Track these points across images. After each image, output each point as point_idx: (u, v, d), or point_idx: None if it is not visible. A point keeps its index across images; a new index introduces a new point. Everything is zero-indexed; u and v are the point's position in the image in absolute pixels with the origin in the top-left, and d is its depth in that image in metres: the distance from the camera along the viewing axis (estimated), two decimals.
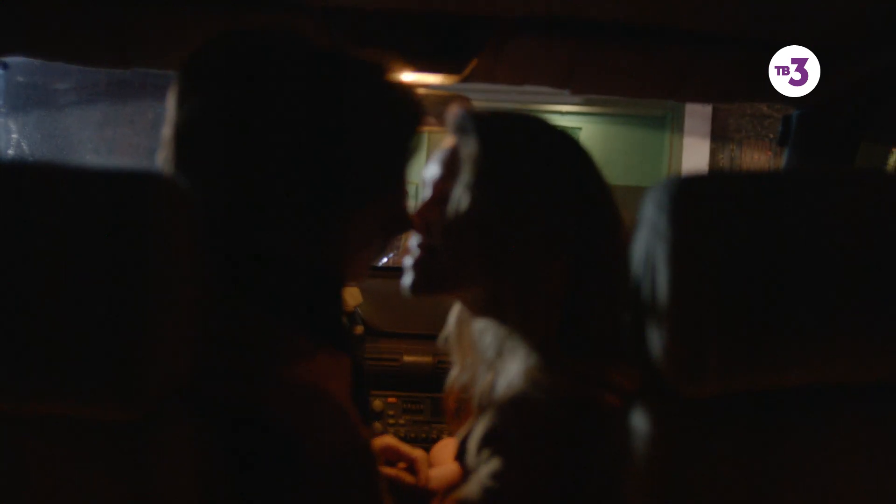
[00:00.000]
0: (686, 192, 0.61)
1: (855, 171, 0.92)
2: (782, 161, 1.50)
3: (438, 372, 1.78)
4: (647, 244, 0.62)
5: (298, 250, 0.79)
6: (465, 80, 1.25)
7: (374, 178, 0.83)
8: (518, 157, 0.92)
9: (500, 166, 0.91)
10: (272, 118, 0.75)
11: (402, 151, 0.86)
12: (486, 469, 0.83)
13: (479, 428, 0.87)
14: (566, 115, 3.77)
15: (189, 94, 0.77)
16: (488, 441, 0.85)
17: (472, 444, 0.88)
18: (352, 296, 1.72)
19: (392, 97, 0.84)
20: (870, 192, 0.62)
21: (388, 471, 1.11)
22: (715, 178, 0.63)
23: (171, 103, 0.78)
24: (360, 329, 1.76)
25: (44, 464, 0.59)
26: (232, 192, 0.75)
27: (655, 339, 0.61)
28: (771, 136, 3.72)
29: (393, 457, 1.16)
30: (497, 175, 0.91)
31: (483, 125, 0.94)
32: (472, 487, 0.84)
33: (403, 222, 0.91)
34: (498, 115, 0.98)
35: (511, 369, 0.89)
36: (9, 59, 1.26)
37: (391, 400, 1.77)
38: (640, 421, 0.65)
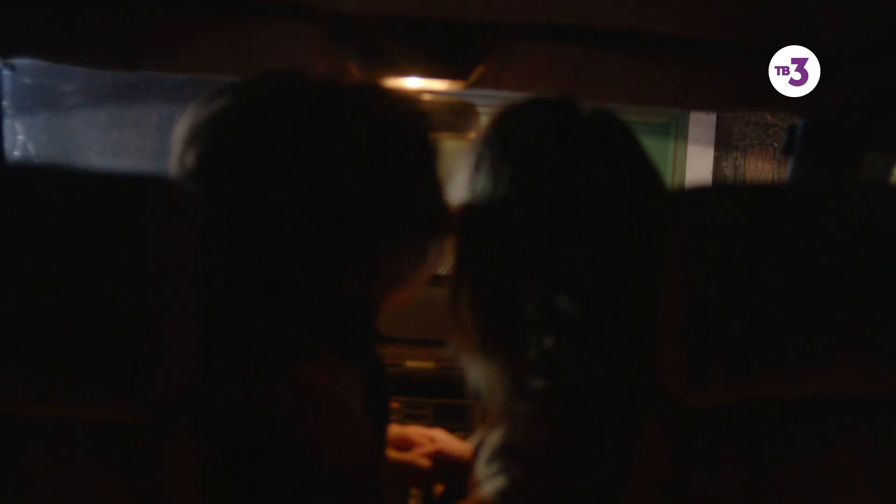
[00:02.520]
0: (690, 203, 0.61)
1: (861, 184, 0.92)
2: (786, 170, 1.50)
3: (441, 377, 1.78)
4: (651, 255, 0.62)
5: (325, 284, 0.78)
6: (471, 86, 1.25)
7: (392, 209, 0.82)
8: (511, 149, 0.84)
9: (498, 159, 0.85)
10: (281, 164, 0.75)
11: (420, 175, 0.84)
12: (492, 485, 0.82)
13: (492, 439, 0.86)
14: None
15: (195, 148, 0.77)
16: (497, 456, 0.84)
17: (484, 454, 0.87)
18: None
19: (398, 122, 0.83)
20: (876, 205, 0.62)
21: (402, 456, 1.13)
22: (719, 188, 0.63)
23: (175, 156, 0.78)
24: None
25: (47, 465, 0.59)
26: (250, 227, 0.75)
27: (659, 350, 0.61)
28: (775, 144, 3.72)
29: (405, 444, 1.18)
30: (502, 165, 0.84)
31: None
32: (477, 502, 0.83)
33: (443, 236, 0.89)
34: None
35: (518, 385, 0.87)
36: (15, 61, 1.26)
37: (394, 405, 1.77)
38: (643, 431, 0.65)
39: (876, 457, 0.64)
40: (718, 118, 3.71)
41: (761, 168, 3.75)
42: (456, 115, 1.36)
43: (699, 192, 0.61)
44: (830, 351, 0.60)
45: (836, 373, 0.61)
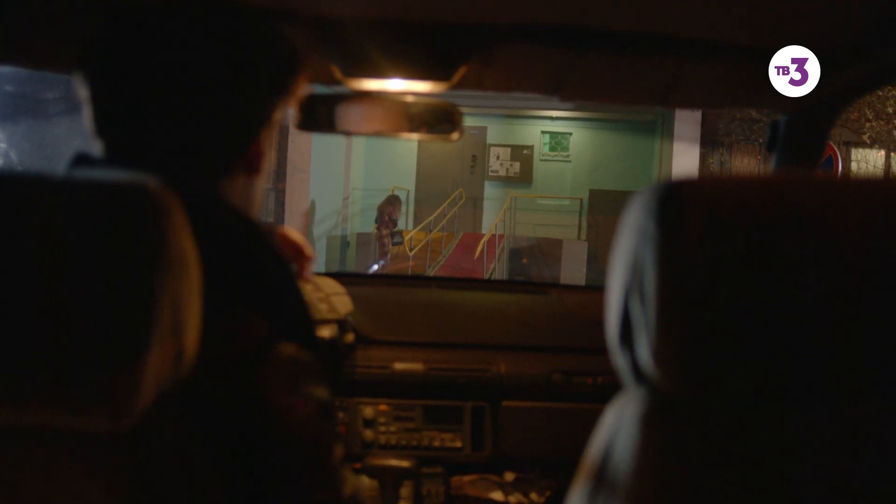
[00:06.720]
0: (674, 195, 0.61)
1: (848, 177, 0.92)
2: (770, 165, 1.51)
3: (429, 379, 1.78)
4: (636, 247, 0.62)
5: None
6: (454, 87, 1.25)
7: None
8: None
9: None
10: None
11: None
12: None
13: None
14: (556, 120, 3.78)
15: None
16: None
17: None
18: (343, 304, 1.72)
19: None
20: (863, 197, 0.62)
21: None
22: (703, 181, 0.63)
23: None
24: (351, 337, 1.76)
25: (33, 473, 0.59)
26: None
27: (642, 341, 0.61)
28: (760, 140, 3.75)
29: None
30: None
31: None
32: None
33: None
34: None
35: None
36: None
37: (382, 407, 1.77)
38: (625, 422, 0.65)
39: (865, 447, 0.64)
40: (704, 115, 3.74)
41: (747, 163, 3.77)
42: (439, 116, 1.36)
43: (682, 185, 0.61)
44: (814, 342, 0.60)
45: (820, 363, 0.61)
